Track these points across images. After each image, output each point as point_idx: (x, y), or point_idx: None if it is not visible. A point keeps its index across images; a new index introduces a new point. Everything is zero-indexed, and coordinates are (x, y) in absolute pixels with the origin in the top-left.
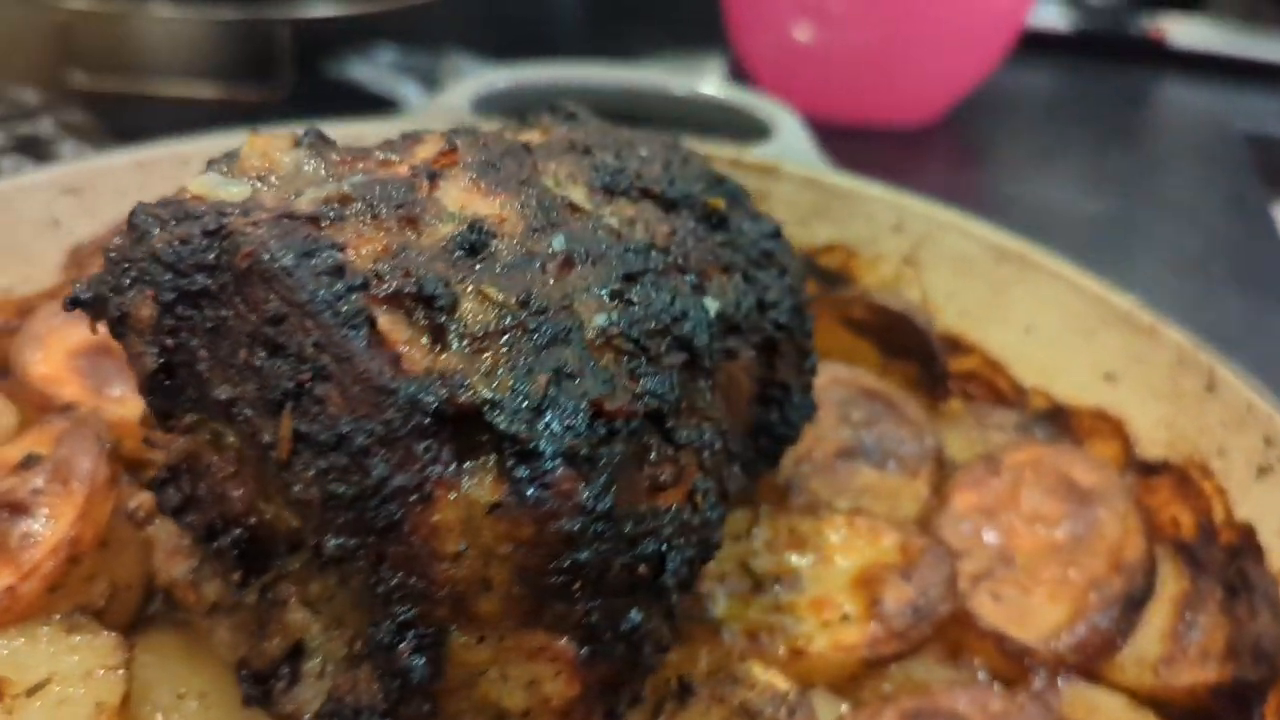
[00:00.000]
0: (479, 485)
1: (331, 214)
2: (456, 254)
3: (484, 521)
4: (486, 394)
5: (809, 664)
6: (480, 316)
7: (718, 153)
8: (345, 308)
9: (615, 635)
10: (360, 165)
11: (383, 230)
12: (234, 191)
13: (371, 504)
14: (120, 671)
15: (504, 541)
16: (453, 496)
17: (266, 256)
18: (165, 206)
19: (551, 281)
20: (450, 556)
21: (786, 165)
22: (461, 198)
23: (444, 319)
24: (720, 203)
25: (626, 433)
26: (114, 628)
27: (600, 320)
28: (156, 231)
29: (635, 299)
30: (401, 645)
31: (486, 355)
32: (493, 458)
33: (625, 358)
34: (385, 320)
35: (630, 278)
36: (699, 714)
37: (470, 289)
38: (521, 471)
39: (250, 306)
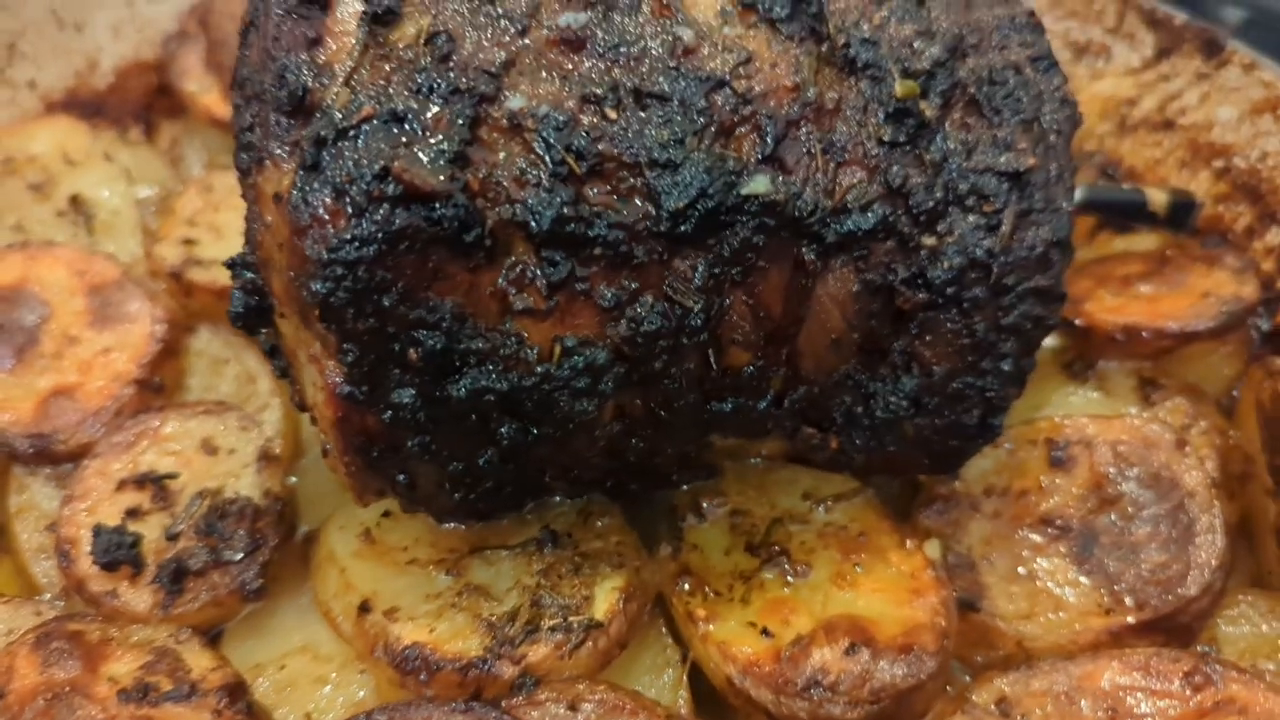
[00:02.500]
0: (286, 173)
1: None
2: None
3: (273, 204)
4: (327, 98)
5: (689, 632)
6: (402, 39)
7: None
8: None
9: (374, 395)
10: None
11: None
12: None
13: (241, 143)
14: None
15: (278, 231)
16: (273, 172)
17: None
18: None
19: (516, 47)
20: (264, 222)
21: None
22: None
23: (373, 27)
24: (914, 90)
25: (430, 214)
26: None
27: (516, 103)
28: None
29: (618, 116)
30: (235, 278)
31: (369, 70)
32: (303, 155)
33: (526, 155)
34: (341, 10)
35: (641, 95)
36: (526, 563)
37: (419, 14)
38: (303, 179)
39: None
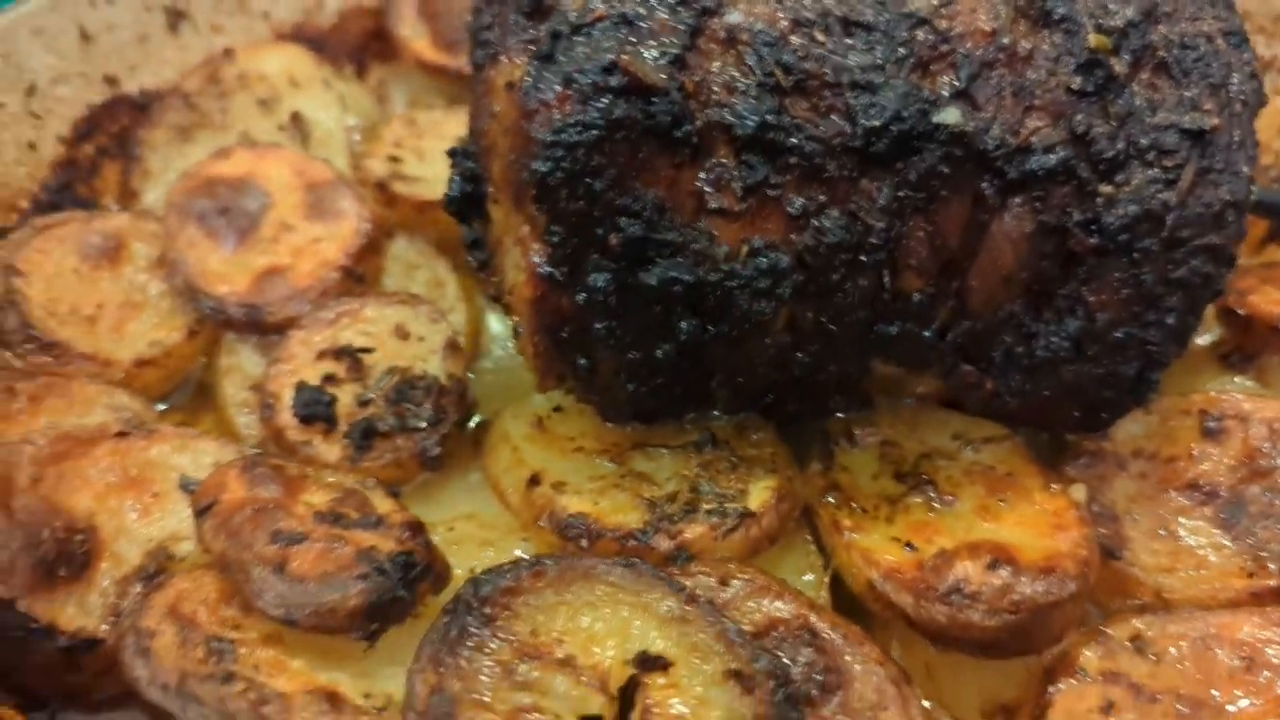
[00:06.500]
0: (519, 66)
1: None
2: None
3: (504, 93)
4: (563, 1)
5: (833, 540)
6: None
7: None
8: None
9: (572, 276)
10: None
11: None
12: None
13: (478, 41)
14: None
15: (505, 117)
16: (506, 65)
17: None
18: None
19: None
20: (491, 112)
21: None
22: None
23: None
24: (1106, 44)
25: (648, 108)
26: None
27: (734, 18)
28: None
29: (825, 39)
30: (455, 166)
31: None
32: (538, 49)
33: (738, 65)
34: None
35: (849, 23)
36: (685, 459)
37: None
38: (535, 67)
39: None
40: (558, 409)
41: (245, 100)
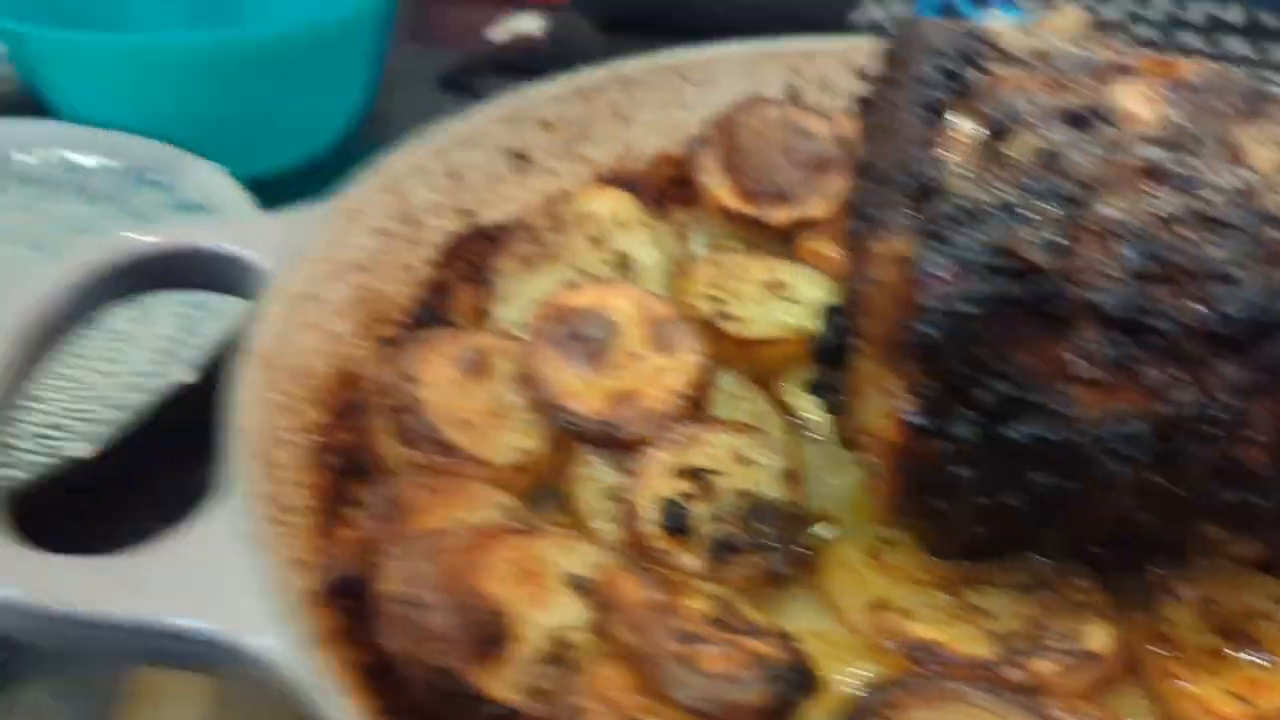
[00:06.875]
0: (902, 240)
1: (1027, 59)
2: (1062, 115)
3: (890, 264)
4: (950, 185)
5: (1163, 687)
6: (1012, 150)
7: None
8: (925, 92)
9: (941, 426)
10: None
11: (1042, 85)
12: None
13: (858, 214)
14: None
15: (892, 286)
16: (891, 239)
17: (919, 35)
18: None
19: (1107, 169)
20: (871, 279)
21: None
22: (1130, 94)
23: (989, 138)
24: None
25: (1028, 287)
26: None
27: (1108, 211)
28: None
29: (1188, 233)
30: (828, 322)
31: (988, 168)
32: (927, 228)
33: (1106, 254)
34: (955, 118)
35: (1209, 220)
36: (1018, 597)
37: (1028, 133)
38: (925, 244)
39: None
40: (887, 541)
41: (578, 236)
